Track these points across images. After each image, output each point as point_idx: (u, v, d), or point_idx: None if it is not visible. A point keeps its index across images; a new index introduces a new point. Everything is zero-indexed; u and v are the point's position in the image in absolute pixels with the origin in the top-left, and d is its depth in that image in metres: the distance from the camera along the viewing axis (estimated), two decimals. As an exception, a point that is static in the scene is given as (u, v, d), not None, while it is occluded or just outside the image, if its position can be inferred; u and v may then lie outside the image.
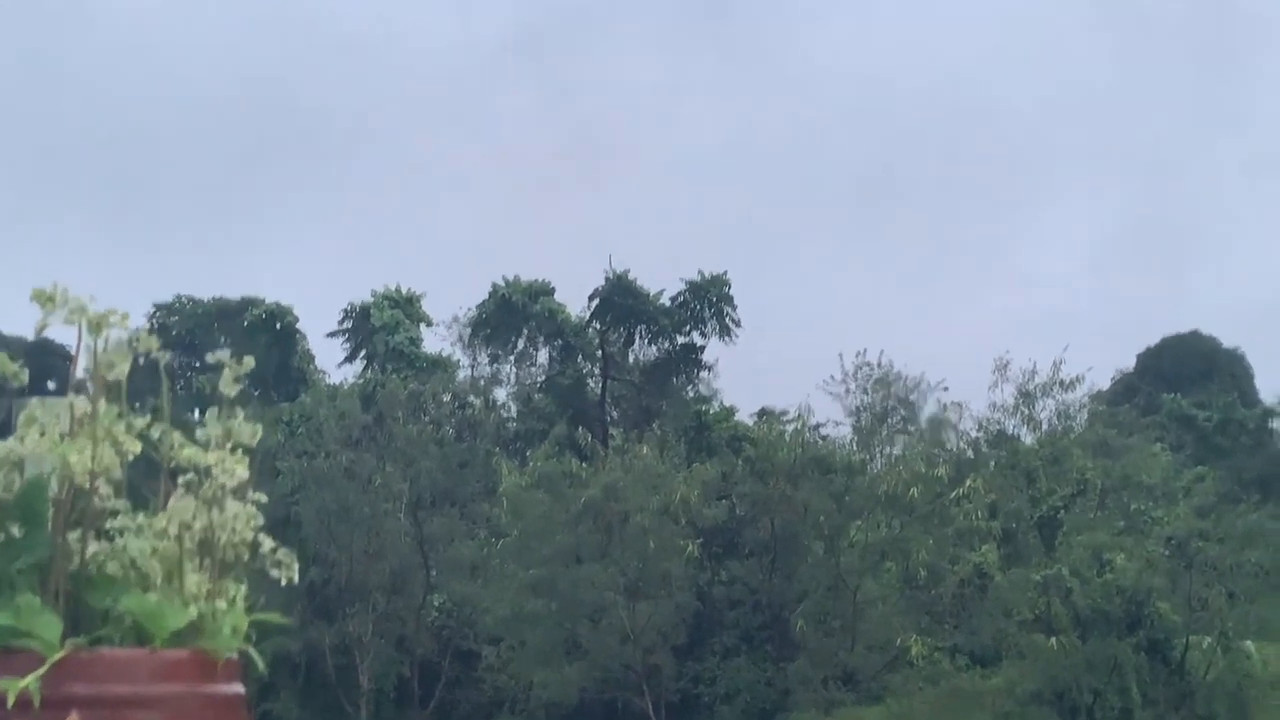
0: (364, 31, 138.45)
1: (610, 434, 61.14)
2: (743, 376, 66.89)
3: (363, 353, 67.97)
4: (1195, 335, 76.21)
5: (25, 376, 4.11)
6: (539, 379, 66.08)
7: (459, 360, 67.34)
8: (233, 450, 4.15)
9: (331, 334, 69.20)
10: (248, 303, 71.43)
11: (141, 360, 4.06)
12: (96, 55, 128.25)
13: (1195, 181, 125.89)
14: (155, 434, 4.16)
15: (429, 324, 69.15)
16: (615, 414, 65.31)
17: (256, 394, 69.24)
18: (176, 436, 4.14)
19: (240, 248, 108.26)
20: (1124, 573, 43.26)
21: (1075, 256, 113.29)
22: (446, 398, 60.42)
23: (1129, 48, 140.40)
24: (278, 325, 69.36)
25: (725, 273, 63.90)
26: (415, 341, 68.42)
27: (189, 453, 4.09)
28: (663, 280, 64.37)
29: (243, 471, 4.04)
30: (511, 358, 66.24)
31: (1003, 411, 53.02)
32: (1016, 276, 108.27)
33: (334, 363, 69.86)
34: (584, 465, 50.45)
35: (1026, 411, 52.79)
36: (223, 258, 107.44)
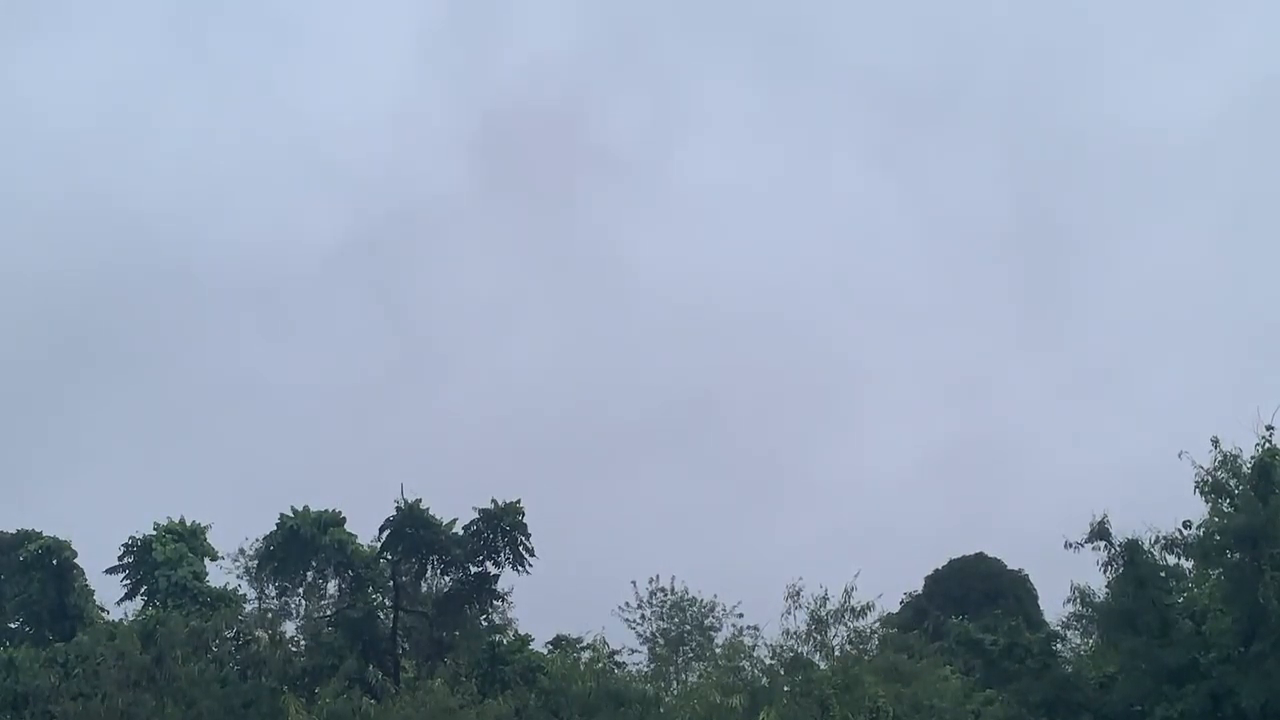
0: (169, 244, 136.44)
1: (402, 666, 59.90)
2: (540, 602, 66.36)
3: (144, 589, 65.77)
4: (981, 557, 78.09)
5: None
6: (329, 612, 64.61)
7: (245, 594, 65.61)
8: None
9: (111, 569, 66.88)
10: (24, 537, 68.81)
11: None
12: None
13: (993, 405, 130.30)
14: None
15: (214, 557, 67.40)
16: (407, 646, 64.02)
17: (30, 632, 66.50)
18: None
19: (17, 478, 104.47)
20: (918, 801, 43.29)
21: (877, 477, 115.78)
22: (230, 634, 58.65)
23: (951, 271, 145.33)
24: (54, 561, 66.89)
25: (519, 501, 63.63)
26: (199, 576, 66.50)
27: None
28: (457, 508, 63.91)
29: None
30: (300, 590, 64.70)
31: (796, 638, 53.28)
32: (817, 496, 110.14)
33: (114, 599, 67.37)
34: (374, 702, 49.23)
35: (819, 638, 53.13)
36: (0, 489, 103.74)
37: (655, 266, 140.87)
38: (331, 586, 64.94)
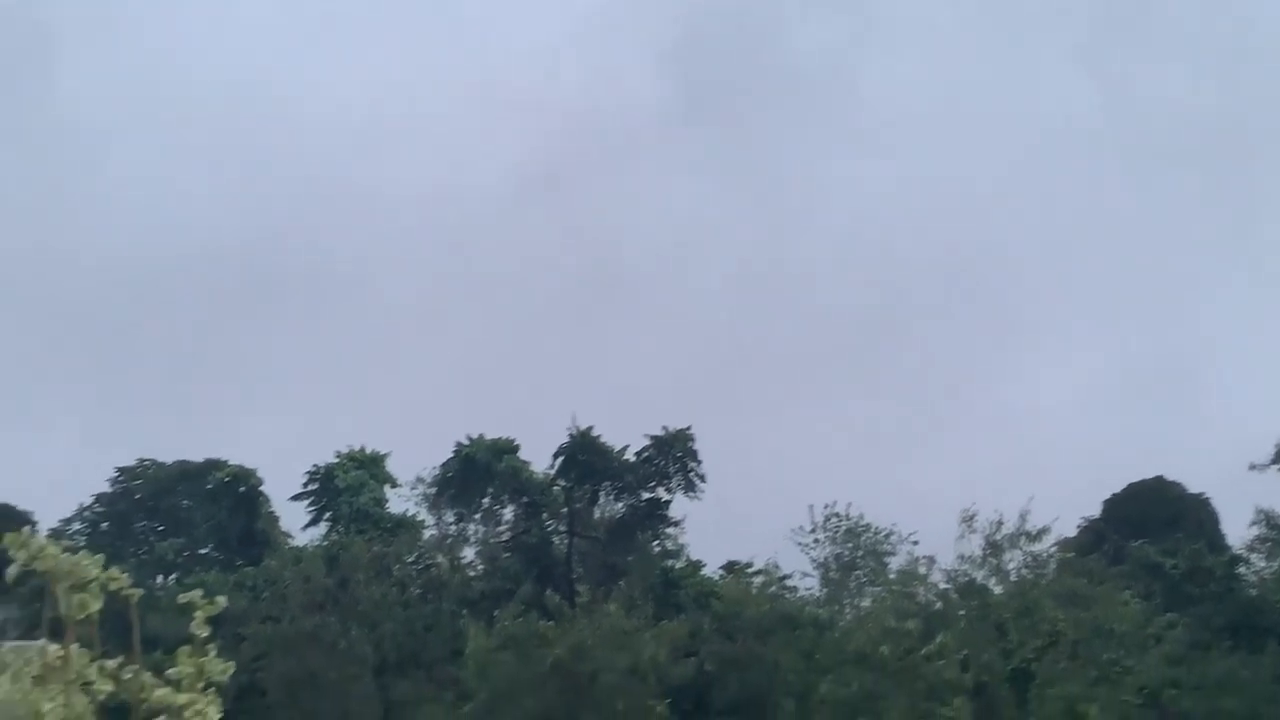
0: (354, 177, 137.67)
1: (577, 591, 60.69)
2: (711, 528, 66.58)
3: (327, 515, 67.50)
4: (1160, 481, 76.43)
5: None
6: (504, 537, 65.71)
7: (424, 520, 66.98)
8: (205, 689, 4.16)
9: (296, 496, 68.78)
10: (211, 465, 71.01)
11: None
12: (71, 215, 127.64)
13: (1180, 322, 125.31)
14: (127, 675, 4.16)
15: (394, 484, 68.84)
16: (581, 571, 64.95)
17: (220, 559, 68.63)
18: (148, 677, 4.14)
19: (207, 408, 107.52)
20: (1098, 724, 42.92)
21: (1055, 399, 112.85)
22: (411, 559, 59.95)
23: (1147, 183, 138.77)
24: (241, 488, 68.87)
25: (689, 428, 64.10)
26: (380, 502, 68.05)
27: (161, 694, 4.09)
28: (629, 435, 64.57)
29: (214, 713, 4.04)
30: (477, 516, 65.92)
31: (971, 563, 52.81)
32: (993, 420, 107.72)
33: (299, 525, 69.32)
34: (551, 624, 49.93)
35: (995, 562, 52.61)
36: (190, 419, 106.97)
37: (840, 186, 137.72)
38: (507, 513, 66.12)
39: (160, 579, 65.52)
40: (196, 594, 4.10)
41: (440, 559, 61.89)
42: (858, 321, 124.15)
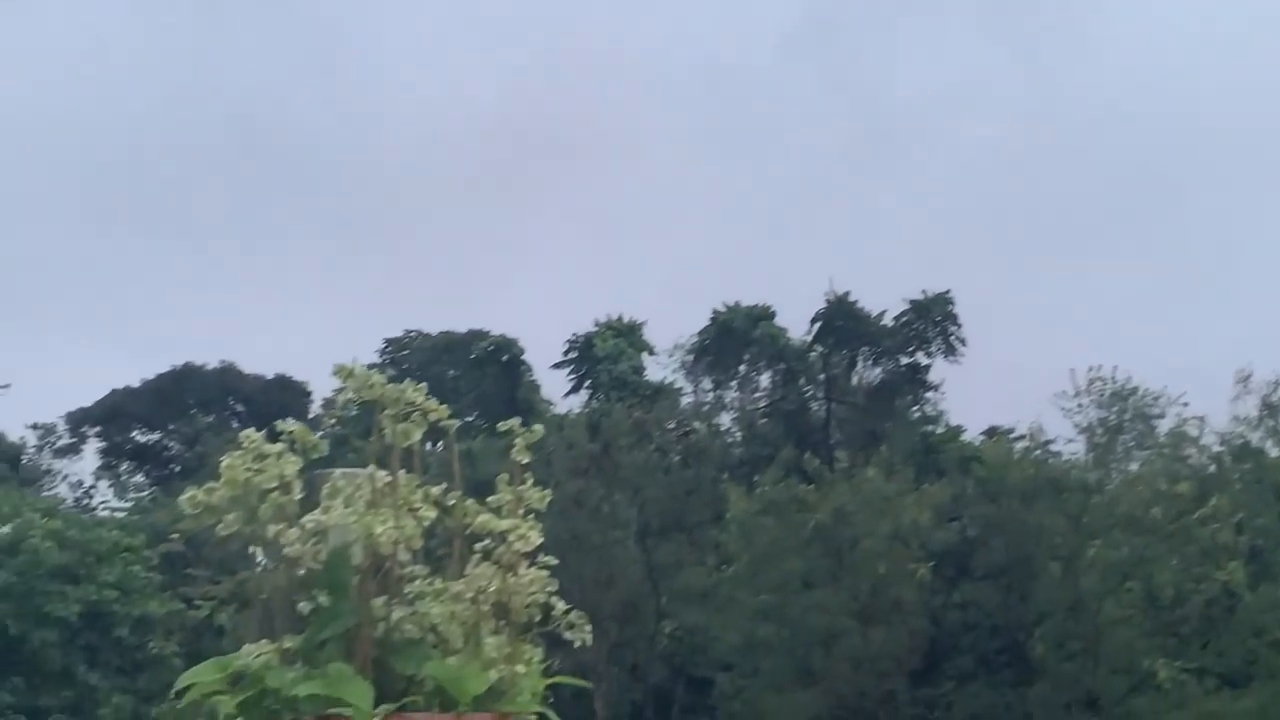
0: (618, 38, 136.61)
1: (835, 457, 60.80)
2: (973, 392, 65.65)
3: (587, 383, 68.75)
4: None
5: (325, 447, 4.27)
6: (762, 404, 66.03)
7: (681, 387, 67.69)
8: (524, 515, 4.26)
9: (556, 364, 70.20)
10: (474, 335, 72.92)
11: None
12: (344, 88, 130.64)
13: None
14: (450, 501, 4.28)
15: (651, 352, 69.64)
16: (840, 437, 64.95)
17: (485, 426, 70.62)
18: (470, 504, 4.26)
19: (471, 279, 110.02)
20: (1382, 590, 41.44)
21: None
22: (671, 425, 60.73)
23: None
24: (504, 357, 70.61)
25: (949, 291, 63.22)
26: (638, 370, 68.95)
27: (484, 519, 4.20)
28: (885, 299, 64.02)
29: (536, 536, 4.14)
30: (734, 383, 66.37)
31: (1246, 424, 51.15)
32: (1272, 280, 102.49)
33: (559, 393, 70.83)
34: (811, 489, 50.14)
35: (1272, 424, 50.85)
36: (455, 289, 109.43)
37: (1118, 36, 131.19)
38: (764, 379, 66.42)
39: (429, 446, 67.80)
40: (515, 421, 4.19)
41: (699, 425, 62.56)
42: (1129, 178, 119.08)
